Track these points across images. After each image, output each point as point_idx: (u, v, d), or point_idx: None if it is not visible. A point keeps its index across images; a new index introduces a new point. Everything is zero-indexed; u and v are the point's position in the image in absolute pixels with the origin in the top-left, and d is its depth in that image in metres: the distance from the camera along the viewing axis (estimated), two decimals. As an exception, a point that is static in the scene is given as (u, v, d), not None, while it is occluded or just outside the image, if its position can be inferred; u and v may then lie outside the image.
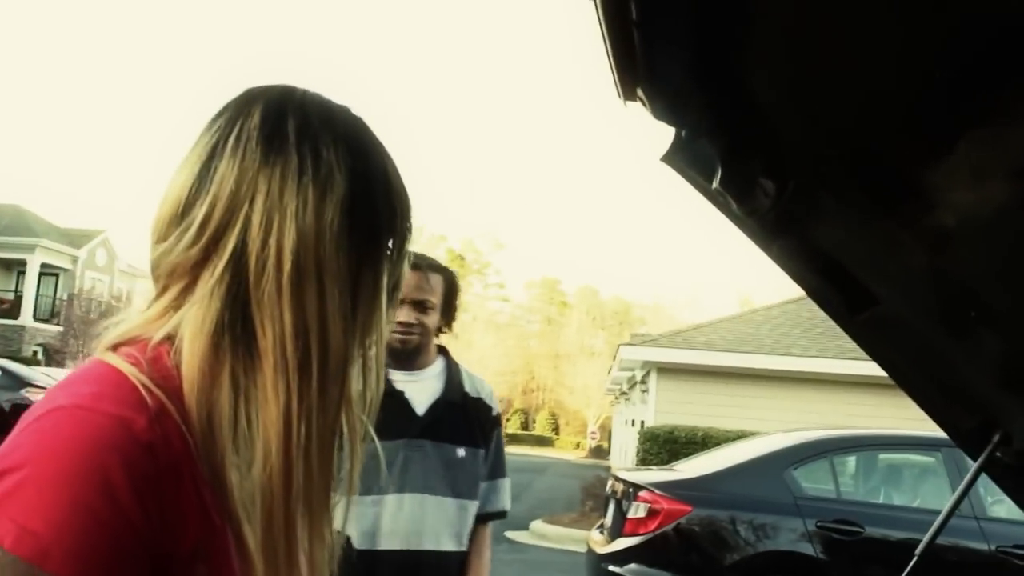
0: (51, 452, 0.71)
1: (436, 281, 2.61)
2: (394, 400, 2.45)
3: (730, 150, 1.46)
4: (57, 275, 37.83)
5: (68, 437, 0.71)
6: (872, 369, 11.44)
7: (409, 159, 0.95)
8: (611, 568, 6.62)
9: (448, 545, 2.53)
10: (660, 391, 16.87)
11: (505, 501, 2.73)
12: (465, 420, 2.60)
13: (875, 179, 1.45)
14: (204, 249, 0.82)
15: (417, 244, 0.98)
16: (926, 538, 2.21)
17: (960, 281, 1.56)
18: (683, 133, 1.47)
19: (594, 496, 14.51)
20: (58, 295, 37.33)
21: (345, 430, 0.90)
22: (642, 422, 18.29)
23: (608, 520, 7.26)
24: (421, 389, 2.58)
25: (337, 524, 0.90)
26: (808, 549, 6.37)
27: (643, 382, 19.55)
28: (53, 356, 33.04)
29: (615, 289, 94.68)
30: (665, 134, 1.46)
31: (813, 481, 6.85)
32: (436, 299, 2.59)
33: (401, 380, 2.56)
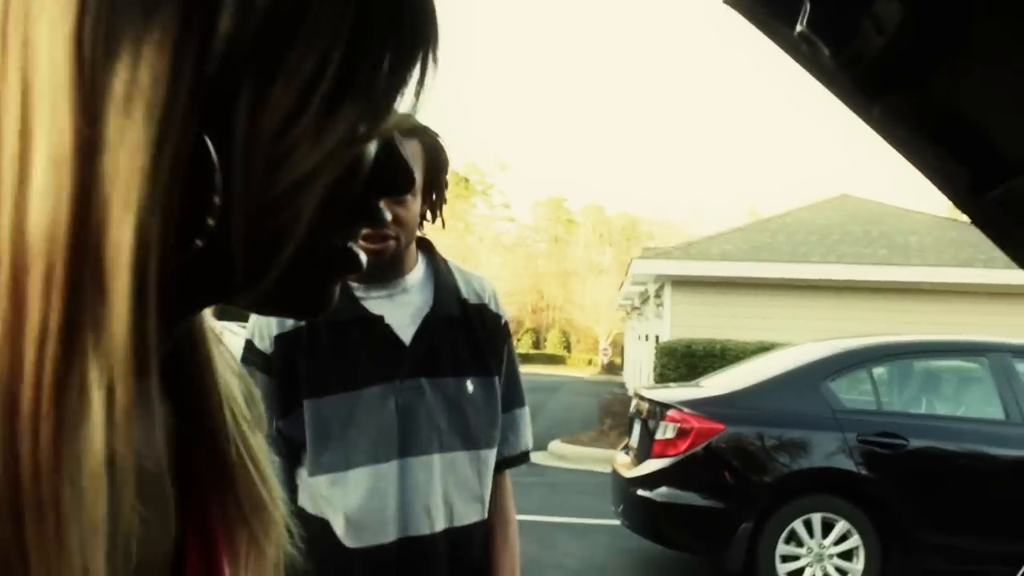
0: None
1: (414, 151, 1.79)
2: (371, 328, 1.80)
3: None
4: None
5: None
6: (890, 274, 11.16)
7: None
8: (640, 492, 6.28)
9: (470, 516, 1.85)
10: (675, 304, 16.49)
11: (527, 438, 2.02)
12: (469, 339, 1.87)
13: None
14: None
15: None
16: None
17: None
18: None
19: (612, 414, 14.26)
20: None
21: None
22: (657, 337, 17.97)
23: (634, 441, 6.90)
24: (403, 307, 1.84)
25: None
26: (849, 464, 6.01)
27: (657, 296, 19.17)
28: None
29: (621, 205, 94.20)
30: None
31: (851, 393, 6.45)
32: (416, 177, 1.72)
33: (373, 298, 1.83)
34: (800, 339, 7.74)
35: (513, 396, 1.97)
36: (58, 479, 0.37)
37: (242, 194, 0.44)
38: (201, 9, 0.41)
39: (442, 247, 2.01)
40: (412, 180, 0.53)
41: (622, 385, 25.75)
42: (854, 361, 6.47)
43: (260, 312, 0.56)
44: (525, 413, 2.02)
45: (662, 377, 13.83)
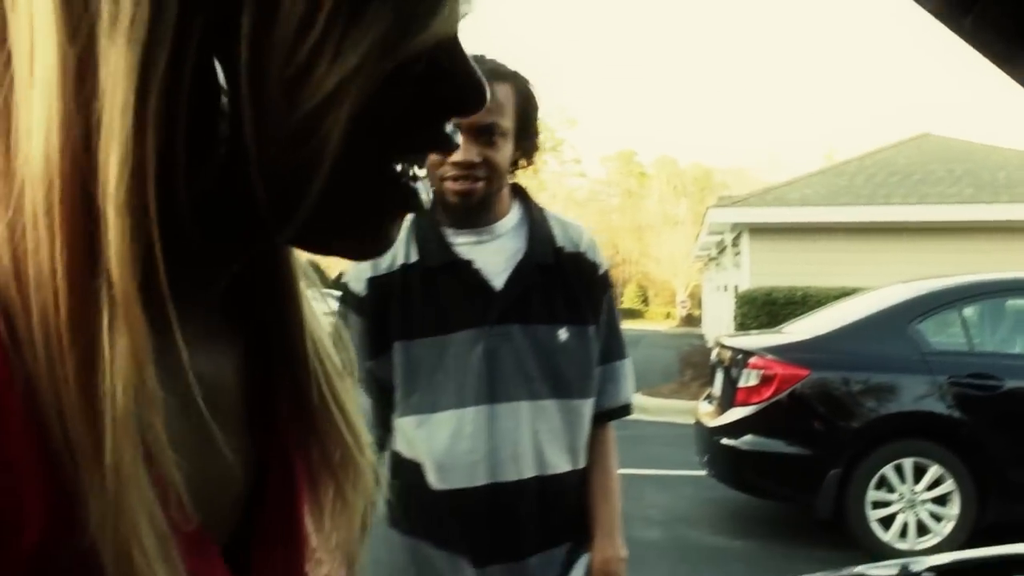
0: None
1: (505, 94, 1.76)
2: (461, 274, 1.79)
3: None
4: None
5: None
6: (978, 213, 10.76)
7: (473, 38, 0.46)
8: (724, 441, 6.21)
9: (560, 466, 1.82)
10: (753, 253, 16.23)
11: (627, 391, 1.97)
12: (563, 287, 1.83)
13: None
14: None
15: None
16: None
17: None
18: None
19: (692, 365, 14.15)
20: None
21: None
22: (736, 287, 17.73)
23: (717, 391, 6.81)
24: (495, 253, 1.82)
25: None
26: (940, 408, 5.84)
27: (734, 245, 18.89)
28: None
29: (693, 156, 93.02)
30: None
31: (941, 334, 6.25)
32: (507, 121, 1.76)
33: (465, 243, 1.81)
34: (884, 284, 7.51)
35: (613, 347, 1.94)
36: (85, 419, 0.36)
37: (255, 120, 0.39)
38: None
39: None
40: (483, 96, 0.47)
41: (701, 337, 25.55)
42: (943, 301, 6.25)
43: (319, 252, 0.51)
44: (626, 365, 1.98)
45: (742, 327, 13.63)
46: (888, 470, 5.92)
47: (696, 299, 45.59)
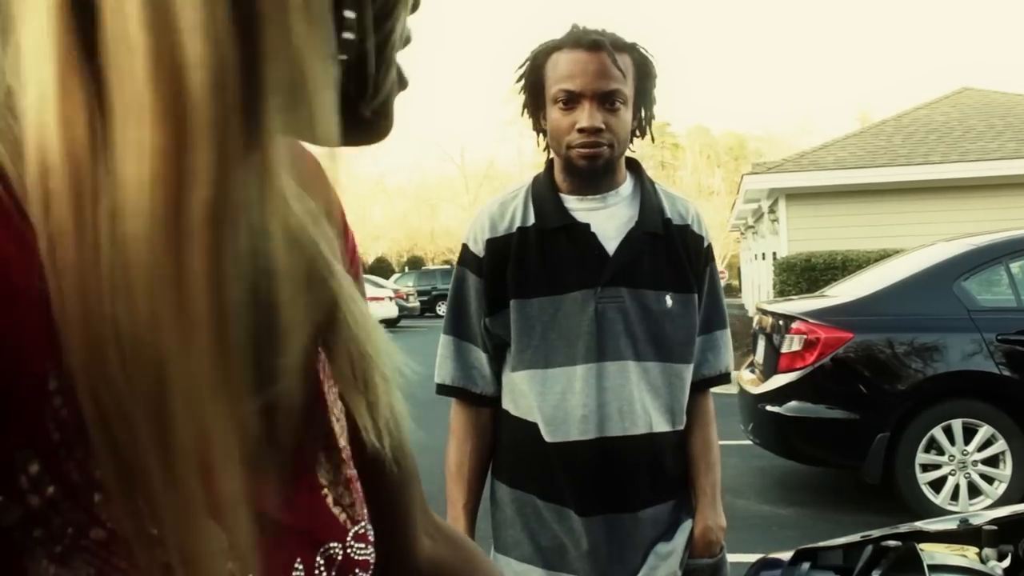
0: None
1: (626, 64, 1.84)
2: (577, 236, 1.88)
3: None
4: None
5: None
6: (1019, 168, 10.47)
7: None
8: (769, 408, 6.13)
9: (660, 425, 1.90)
10: (791, 218, 16.04)
11: (727, 359, 2.05)
12: (670, 256, 1.92)
13: None
14: None
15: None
16: None
17: None
18: None
19: (733, 335, 14.00)
20: None
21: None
22: (774, 254, 17.54)
23: (759, 358, 6.73)
24: (609, 219, 1.91)
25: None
26: (989, 366, 5.73)
27: (771, 212, 18.67)
28: None
29: (726, 124, 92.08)
30: None
31: (987, 292, 6.12)
32: (628, 89, 1.84)
33: (582, 209, 1.91)
34: (927, 244, 7.36)
35: (714, 317, 2.03)
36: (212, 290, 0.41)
37: (366, 16, 0.50)
38: None
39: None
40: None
41: (741, 307, 25.33)
42: (988, 258, 6.11)
43: (352, 141, 0.55)
44: (726, 335, 2.07)
45: (782, 294, 13.47)
46: (937, 432, 5.83)
47: (734, 269, 45.23)
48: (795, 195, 16.02)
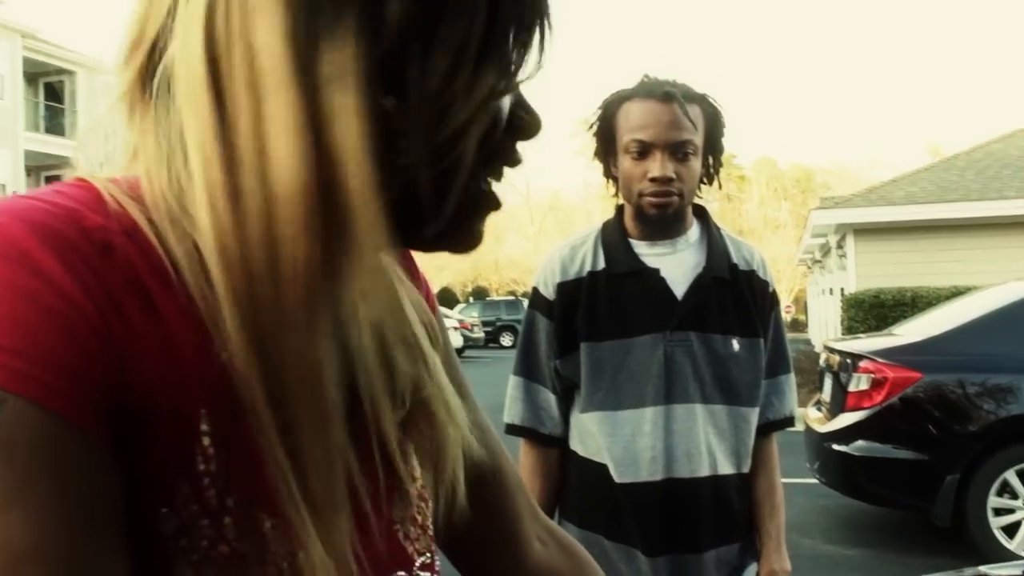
0: None
1: (696, 114, 1.89)
2: (647, 281, 1.93)
3: None
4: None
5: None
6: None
7: (564, 36, 0.65)
8: (836, 447, 6.06)
9: (725, 467, 1.93)
10: (859, 254, 15.84)
11: (791, 403, 2.08)
12: (737, 301, 1.95)
13: None
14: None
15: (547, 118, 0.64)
16: None
17: None
18: None
19: (799, 371, 13.82)
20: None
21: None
22: (842, 289, 17.32)
23: (826, 396, 6.66)
24: (677, 264, 1.95)
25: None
26: (1064, 409, 5.59)
27: (839, 247, 18.44)
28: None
29: (793, 157, 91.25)
30: None
31: (1062, 332, 5.98)
32: (698, 139, 1.89)
33: (651, 254, 1.95)
34: (998, 282, 7.23)
35: (779, 362, 2.05)
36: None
37: (420, 140, 0.54)
38: (373, 1, 0.51)
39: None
40: (540, 123, 0.61)
41: (808, 342, 25.00)
42: (1064, 297, 5.98)
43: (430, 250, 0.63)
44: (790, 379, 2.10)
45: (850, 331, 13.29)
46: (1010, 474, 5.70)
47: (801, 304, 44.64)
48: (863, 230, 15.83)
